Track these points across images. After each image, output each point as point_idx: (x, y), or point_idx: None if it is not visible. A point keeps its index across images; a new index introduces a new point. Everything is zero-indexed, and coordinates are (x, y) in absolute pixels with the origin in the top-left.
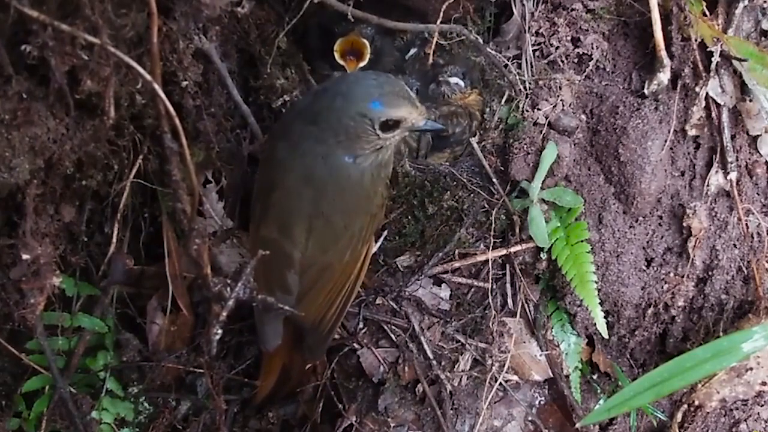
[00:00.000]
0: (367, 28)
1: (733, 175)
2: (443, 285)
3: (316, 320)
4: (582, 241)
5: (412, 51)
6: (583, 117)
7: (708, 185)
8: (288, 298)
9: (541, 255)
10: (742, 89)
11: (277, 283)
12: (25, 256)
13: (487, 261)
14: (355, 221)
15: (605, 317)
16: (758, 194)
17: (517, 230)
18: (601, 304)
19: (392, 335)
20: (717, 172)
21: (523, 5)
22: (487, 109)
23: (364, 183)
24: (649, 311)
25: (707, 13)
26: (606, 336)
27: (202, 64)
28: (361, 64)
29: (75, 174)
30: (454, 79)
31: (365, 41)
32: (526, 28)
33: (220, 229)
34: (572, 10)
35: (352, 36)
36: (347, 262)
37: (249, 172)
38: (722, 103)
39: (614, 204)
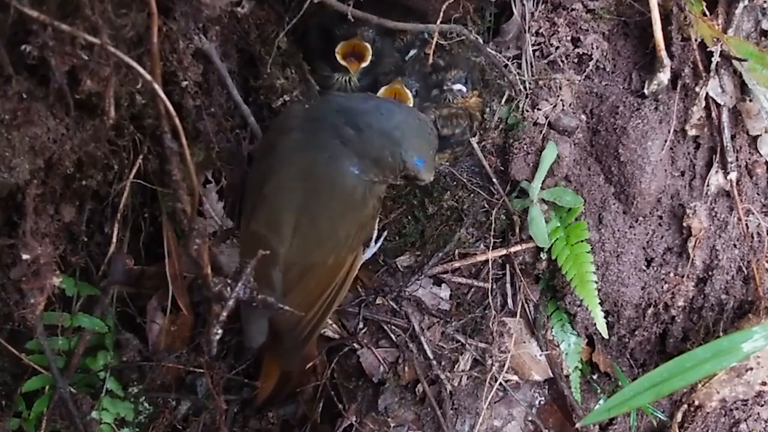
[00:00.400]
0: (368, 30)
1: (733, 175)
2: (443, 285)
3: (292, 323)
4: (582, 241)
5: (412, 52)
6: (583, 117)
7: (708, 185)
8: (272, 296)
9: (541, 255)
10: (742, 89)
11: (262, 280)
12: (25, 256)
13: (487, 261)
14: (339, 228)
15: (605, 317)
16: (758, 194)
17: (517, 230)
18: (601, 304)
19: (392, 335)
20: (717, 172)
21: (523, 5)
22: (487, 109)
23: (356, 195)
24: (649, 311)
25: (707, 13)
26: (606, 336)
27: (202, 64)
28: (363, 65)
29: (75, 174)
30: (457, 86)
31: (367, 45)
32: (526, 28)
33: (220, 229)
34: (572, 10)
35: (355, 40)
36: (330, 266)
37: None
38: (722, 103)
39: (614, 204)
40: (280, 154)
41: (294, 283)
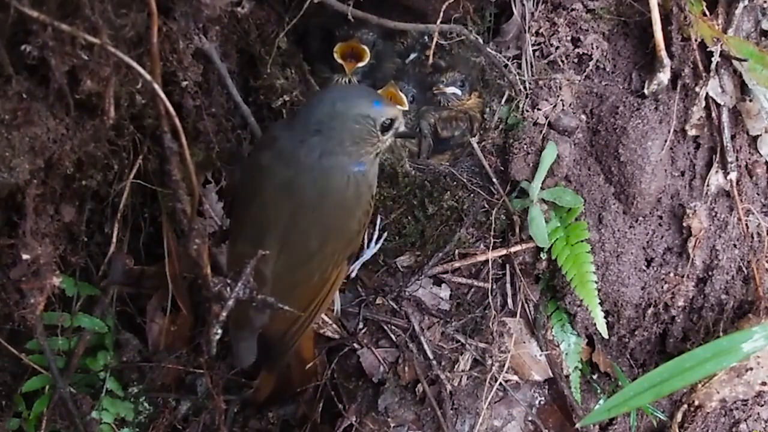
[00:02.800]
0: (368, 33)
1: (733, 175)
2: (443, 285)
3: (277, 335)
4: (582, 241)
5: (413, 56)
6: (583, 117)
7: (708, 185)
8: (261, 317)
9: (541, 255)
10: (742, 89)
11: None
12: (25, 256)
13: (487, 261)
14: (328, 243)
15: (605, 317)
16: (758, 194)
17: (517, 230)
18: (601, 304)
19: (392, 335)
20: (717, 172)
21: (523, 5)
22: (487, 109)
23: (348, 194)
24: (649, 311)
25: (707, 13)
26: (606, 336)
27: (202, 64)
28: (360, 65)
29: (75, 174)
30: (450, 89)
31: (365, 47)
32: (526, 28)
33: (220, 229)
34: (572, 10)
35: (352, 42)
36: (315, 283)
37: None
38: (722, 103)
39: (614, 204)
40: (262, 173)
41: (280, 298)
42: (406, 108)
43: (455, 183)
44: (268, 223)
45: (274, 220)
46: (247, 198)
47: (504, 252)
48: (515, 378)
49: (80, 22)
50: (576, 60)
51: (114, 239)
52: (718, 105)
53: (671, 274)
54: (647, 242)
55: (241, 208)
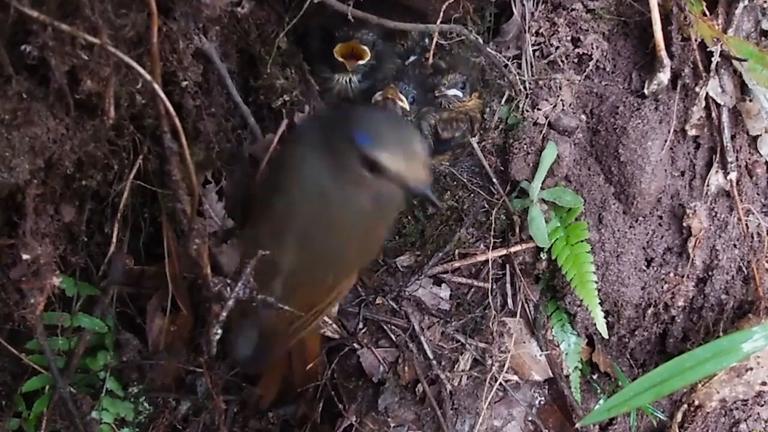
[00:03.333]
0: (368, 34)
1: (733, 175)
2: (443, 285)
3: (278, 332)
4: (582, 241)
5: (413, 58)
6: (583, 117)
7: (708, 185)
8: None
9: (541, 255)
10: (742, 89)
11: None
12: (25, 256)
13: (487, 261)
14: (347, 251)
15: (605, 317)
16: (758, 194)
17: (517, 230)
18: (601, 304)
19: (392, 335)
20: (717, 172)
21: (523, 5)
22: (487, 109)
23: (373, 216)
24: (649, 311)
25: (707, 13)
26: (606, 336)
27: (202, 64)
28: (361, 62)
29: (75, 174)
30: (452, 91)
31: (365, 48)
32: (526, 28)
33: (220, 229)
34: (572, 10)
35: (352, 43)
36: (326, 287)
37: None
38: (722, 103)
39: (614, 204)
40: (292, 171)
41: (289, 295)
42: (407, 108)
43: (455, 183)
44: (291, 220)
45: (295, 220)
46: (274, 190)
47: (504, 252)
48: (515, 378)
49: (80, 22)
50: (576, 60)
51: (114, 239)
52: (718, 105)
53: (671, 274)
54: (647, 242)
55: (265, 197)
